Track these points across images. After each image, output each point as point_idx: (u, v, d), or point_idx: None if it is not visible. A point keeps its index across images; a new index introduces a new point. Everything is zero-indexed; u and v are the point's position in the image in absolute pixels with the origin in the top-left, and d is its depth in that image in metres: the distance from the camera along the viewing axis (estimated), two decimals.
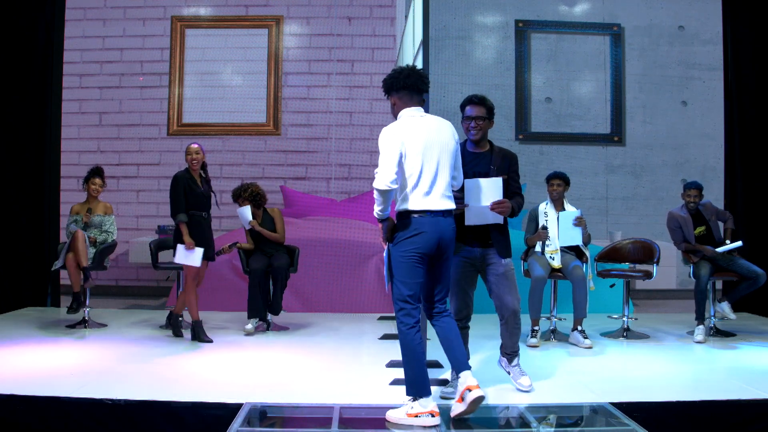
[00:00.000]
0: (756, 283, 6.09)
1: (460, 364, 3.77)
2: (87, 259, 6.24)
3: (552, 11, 9.44)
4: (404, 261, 3.73)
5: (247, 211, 6.39)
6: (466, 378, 3.72)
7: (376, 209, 3.76)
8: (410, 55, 5.44)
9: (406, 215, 3.77)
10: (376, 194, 3.73)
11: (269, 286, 6.34)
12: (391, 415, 3.76)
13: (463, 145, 4.23)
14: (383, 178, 3.69)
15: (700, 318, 6.10)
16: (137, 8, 9.28)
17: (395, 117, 3.92)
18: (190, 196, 5.75)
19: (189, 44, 9.28)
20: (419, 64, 4.75)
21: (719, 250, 6.18)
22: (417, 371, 3.72)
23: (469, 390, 3.67)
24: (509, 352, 4.39)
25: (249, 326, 6.16)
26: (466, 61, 9.24)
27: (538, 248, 5.93)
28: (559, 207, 5.98)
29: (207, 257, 5.85)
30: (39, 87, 7.52)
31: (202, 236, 5.80)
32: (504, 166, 4.23)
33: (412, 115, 3.85)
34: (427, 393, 3.71)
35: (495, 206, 4.08)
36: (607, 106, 9.47)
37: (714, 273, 6.21)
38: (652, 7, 9.47)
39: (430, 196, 3.75)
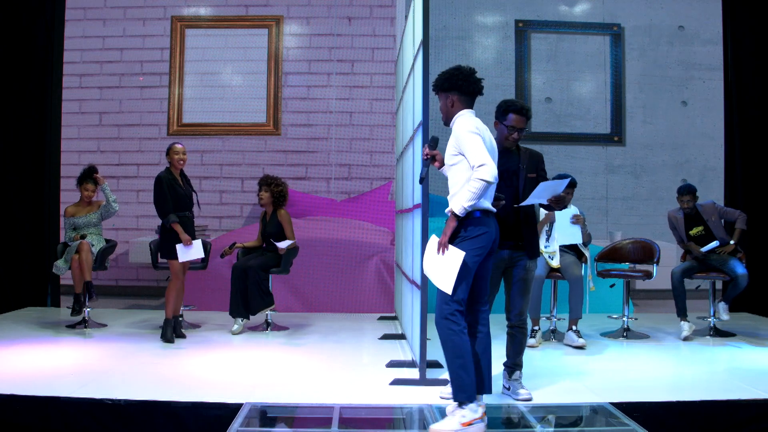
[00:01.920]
0: (737, 283, 6.09)
1: (482, 386, 3.71)
2: (91, 272, 6.23)
3: (552, 11, 9.44)
4: (468, 260, 3.60)
5: None
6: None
7: (469, 203, 3.56)
8: (410, 55, 5.44)
9: (474, 214, 3.65)
10: (476, 187, 3.54)
11: (247, 285, 6.27)
12: (440, 429, 3.53)
13: None
14: (491, 170, 3.58)
15: (682, 314, 6.18)
16: (137, 8, 9.26)
17: (449, 115, 3.86)
18: (173, 197, 5.77)
19: (189, 44, 9.27)
20: (419, 64, 4.75)
21: (703, 249, 6.25)
22: (470, 375, 3.58)
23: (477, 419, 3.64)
24: (510, 365, 4.26)
25: (235, 327, 6.15)
26: (466, 61, 9.02)
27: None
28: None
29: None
30: (39, 87, 7.52)
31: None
32: (532, 164, 4.25)
33: (471, 114, 3.84)
34: (474, 397, 3.60)
35: (552, 200, 4.12)
36: (607, 106, 9.47)
37: (698, 272, 6.28)
38: (652, 7, 9.47)
39: (489, 195, 3.74)
